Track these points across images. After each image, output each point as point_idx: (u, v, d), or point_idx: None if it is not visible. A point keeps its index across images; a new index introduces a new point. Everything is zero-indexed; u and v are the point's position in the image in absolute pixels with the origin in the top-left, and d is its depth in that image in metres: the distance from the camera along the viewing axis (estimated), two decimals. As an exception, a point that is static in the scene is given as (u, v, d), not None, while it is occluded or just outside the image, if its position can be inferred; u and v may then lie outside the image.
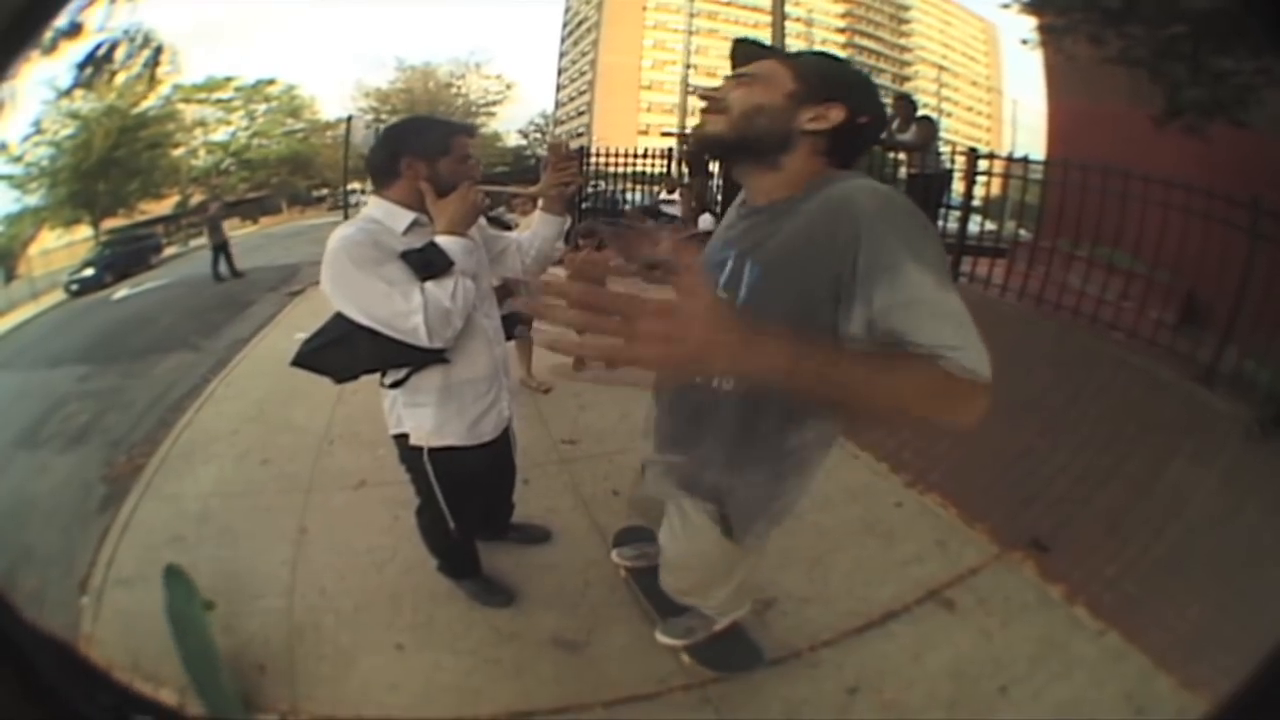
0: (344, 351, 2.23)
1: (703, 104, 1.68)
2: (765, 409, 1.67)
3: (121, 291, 7.83)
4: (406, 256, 2.14)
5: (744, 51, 1.78)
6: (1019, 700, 2.58)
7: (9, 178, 7.20)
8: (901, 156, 6.82)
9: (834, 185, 1.49)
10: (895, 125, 6.78)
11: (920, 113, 7.10)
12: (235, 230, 9.10)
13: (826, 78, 1.56)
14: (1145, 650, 2.69)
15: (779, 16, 9.26)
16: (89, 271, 7.76)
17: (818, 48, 9.56)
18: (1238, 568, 2.88)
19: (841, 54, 9.66)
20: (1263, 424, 3.40)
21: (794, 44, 9.35)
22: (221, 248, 8.19)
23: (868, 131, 1.64)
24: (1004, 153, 6.72)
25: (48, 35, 6.16)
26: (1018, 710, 2.57)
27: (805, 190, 1.54)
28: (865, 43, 9.74)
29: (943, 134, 7.18)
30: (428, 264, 2.13)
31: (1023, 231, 5.80)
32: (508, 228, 3.01)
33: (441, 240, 2.18)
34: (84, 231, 8.00)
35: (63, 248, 7.78)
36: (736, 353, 1.07)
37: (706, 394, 1.70)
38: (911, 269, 1.30)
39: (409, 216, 2.26)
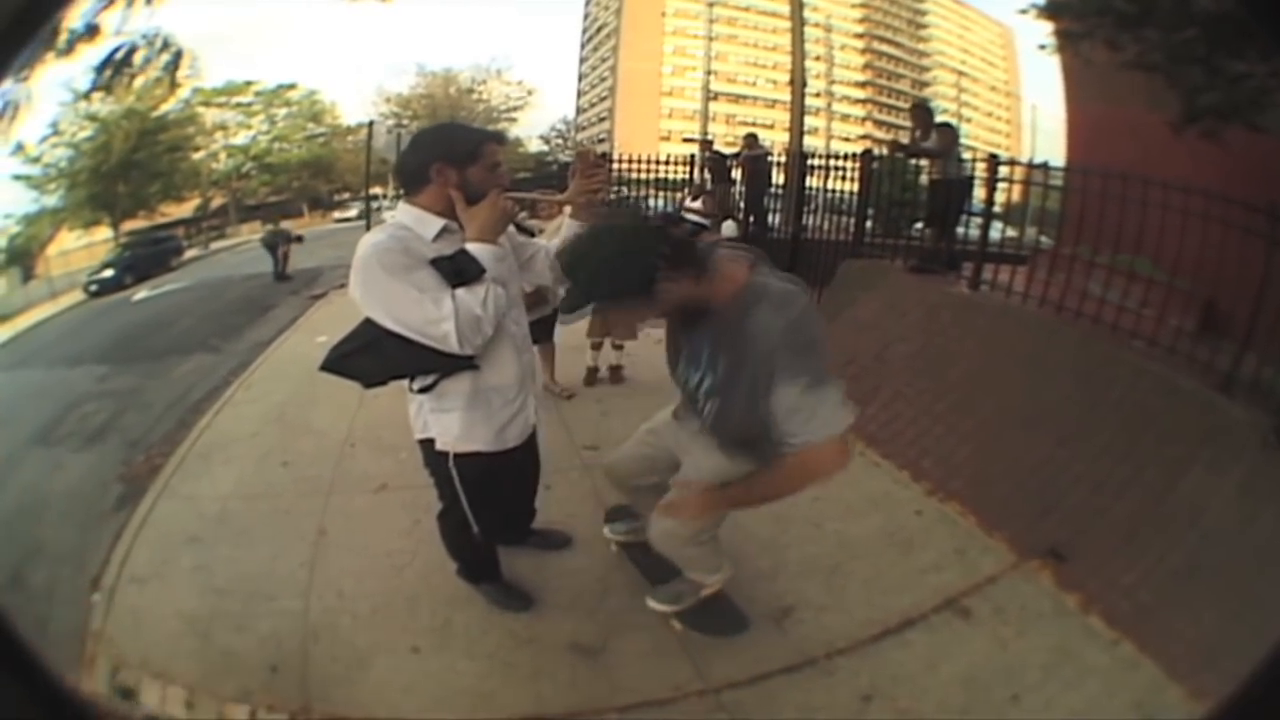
0: (373, 357, 2.25)
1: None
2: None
3: (141, 293, 7.90)
4: (437, 263, 2.15)
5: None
6: (1030, 708, 2.57)
7: (26, 178, 7.28)
8: (923, 163, 6.81)
9: (759, 292, 2.06)
10: (917, 134, 6.77)
11: (940, 119, 7.08)
12: (256, 234, 9.19)
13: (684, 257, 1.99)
14: (1157, 659, 2.68)
15: (798, 22, 9.27)
16: (108, 273, 7.85)
17: (837, 53, 9.61)
18: (1254, 576, 2.85)
19: (861, 60, 9.72)
20: (1280, 432, 3.37)
21: (813, 48, 9.36)
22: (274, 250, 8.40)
23: None
24: (1024, 158, 6.70)
25: (63, 37, 6.23)
26: (1029, 717, 2.56)
27: (735, 289, 2.06)
28: (884, 48, 9.73)
29: (962, 139, 7.15)
30: (459, 271, 2.14)
31: (1044, 238, 5.76)
32: (532, 234, 3.02)
33: (472, 247, 2.19)
34: (103, 233, 8.09)
35: (81, 248, 7.87)
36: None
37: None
38: (797, 381, 1.92)
39: (439, 223, 2.26)
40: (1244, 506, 3.13)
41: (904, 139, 7.32)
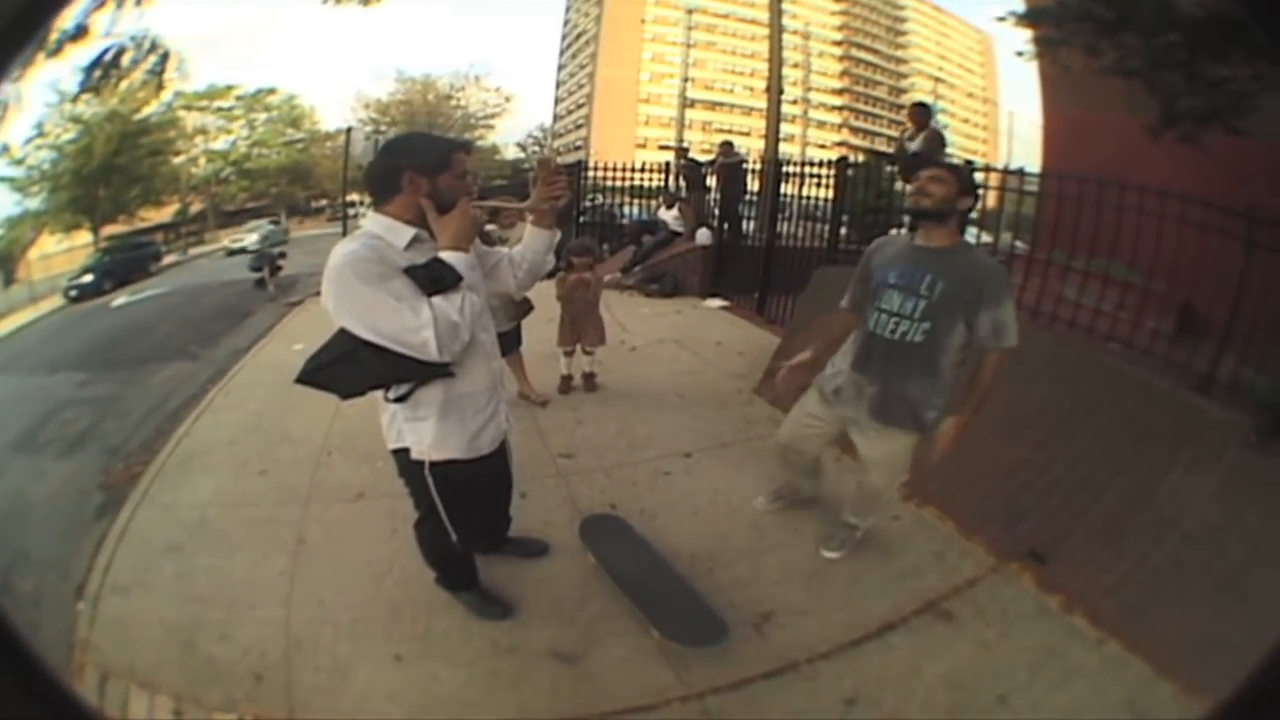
0: (349, 368, 2.22)
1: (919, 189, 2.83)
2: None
3: (120, 299, 7.84)
4: (413, 272, 2.14)
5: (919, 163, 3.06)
6: (1018, 709, 2.59)
7: (10, 180, 7.23)
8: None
9: (969, 247, 2.99)
10: (907, 134, 6.79)
11: (931, 124, 7.08)
12: (235, 240, 9.14)
13: (968, 181, 2.91)
14: (1145, 657, 2.70)
15: (776, 30, 9.30)
16: (88, 278, 7.78)
17: (814, 60, 9.67)
18: (1236, 574, 2.89)
19: (839, 67, 9.77)
20: (1259, 432, 3.38)
21: (791, 55, 9.39)
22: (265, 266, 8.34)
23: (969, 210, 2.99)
24: (1000, 164, 6.74)
25: (53, 38, 6.19)
26: (1017, 718, 2.58)
27: (953, 243, 2.84)
28: (862, 55, 9.77)
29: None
30: (436, 279, 2.14)
31: (1019, 244, 5.80)
32: (493, 242, 3.02)
33: (446, 255, 2.19)
34: (84, 237, 8.02)
35: (62, 253, 7.80)
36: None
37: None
38: (1006, 305, 2.76)
39: (409, 232, 2.25)
40: (1225, 505, 3.15)
41: (881, 146, 7.33)
